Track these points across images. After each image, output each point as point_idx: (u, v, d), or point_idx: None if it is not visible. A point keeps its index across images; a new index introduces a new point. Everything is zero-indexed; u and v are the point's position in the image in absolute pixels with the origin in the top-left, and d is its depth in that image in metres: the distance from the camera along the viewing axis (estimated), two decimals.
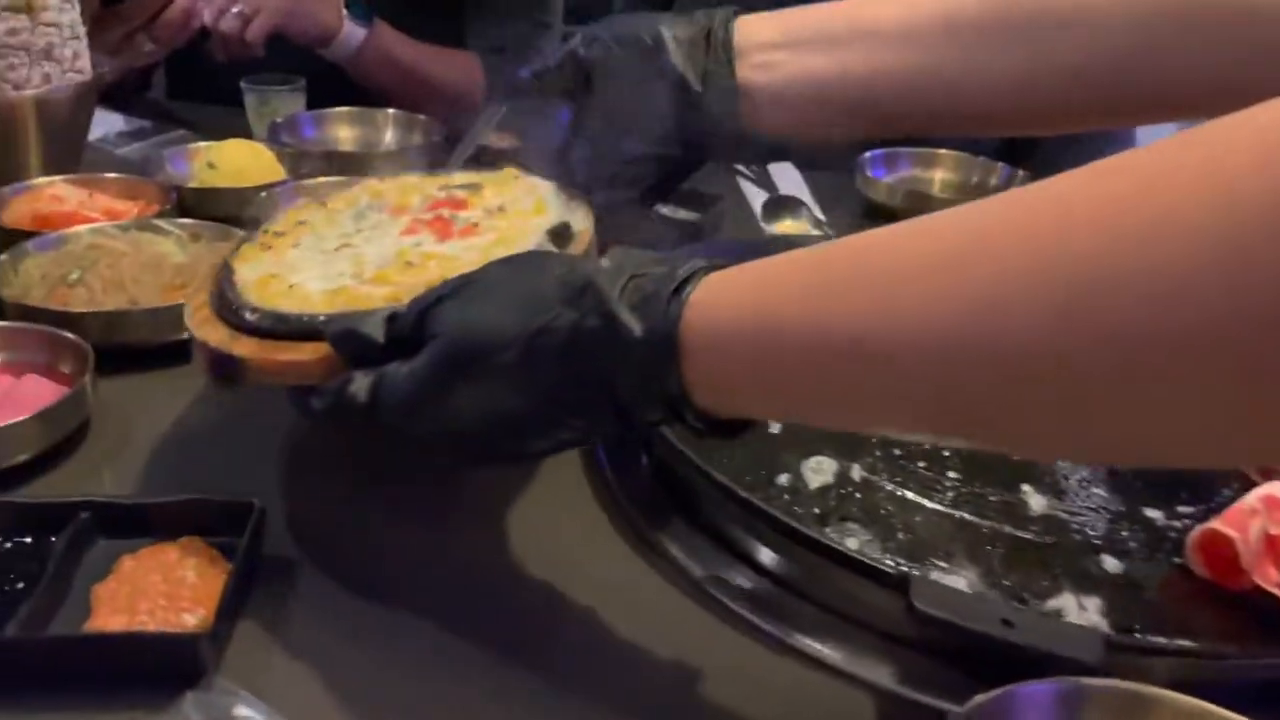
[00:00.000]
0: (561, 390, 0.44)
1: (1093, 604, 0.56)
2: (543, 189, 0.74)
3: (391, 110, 1.35)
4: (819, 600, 0.59)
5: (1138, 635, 0.53)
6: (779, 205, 1.24)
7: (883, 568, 0.54)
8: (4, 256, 0.85)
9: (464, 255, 0.61)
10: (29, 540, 0.58)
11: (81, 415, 0.71)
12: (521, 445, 0.47)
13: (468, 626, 0.57)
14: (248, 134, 1.27)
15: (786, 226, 1.21)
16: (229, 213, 1.05)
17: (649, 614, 0.60)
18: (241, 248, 0.69)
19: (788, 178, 1.36)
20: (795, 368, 0.41)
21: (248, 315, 0.57)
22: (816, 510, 0.61)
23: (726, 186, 1.31)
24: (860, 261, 0.42)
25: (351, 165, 1.19)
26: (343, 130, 1.33)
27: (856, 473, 0.65)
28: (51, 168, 1.07)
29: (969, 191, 1.30)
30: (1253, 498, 0.60)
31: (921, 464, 0.66)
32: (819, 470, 0.65)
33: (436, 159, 1.26)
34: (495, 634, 0.57)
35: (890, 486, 0.64)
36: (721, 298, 0.43)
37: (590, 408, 0.44)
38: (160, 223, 0.93)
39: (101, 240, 0.89)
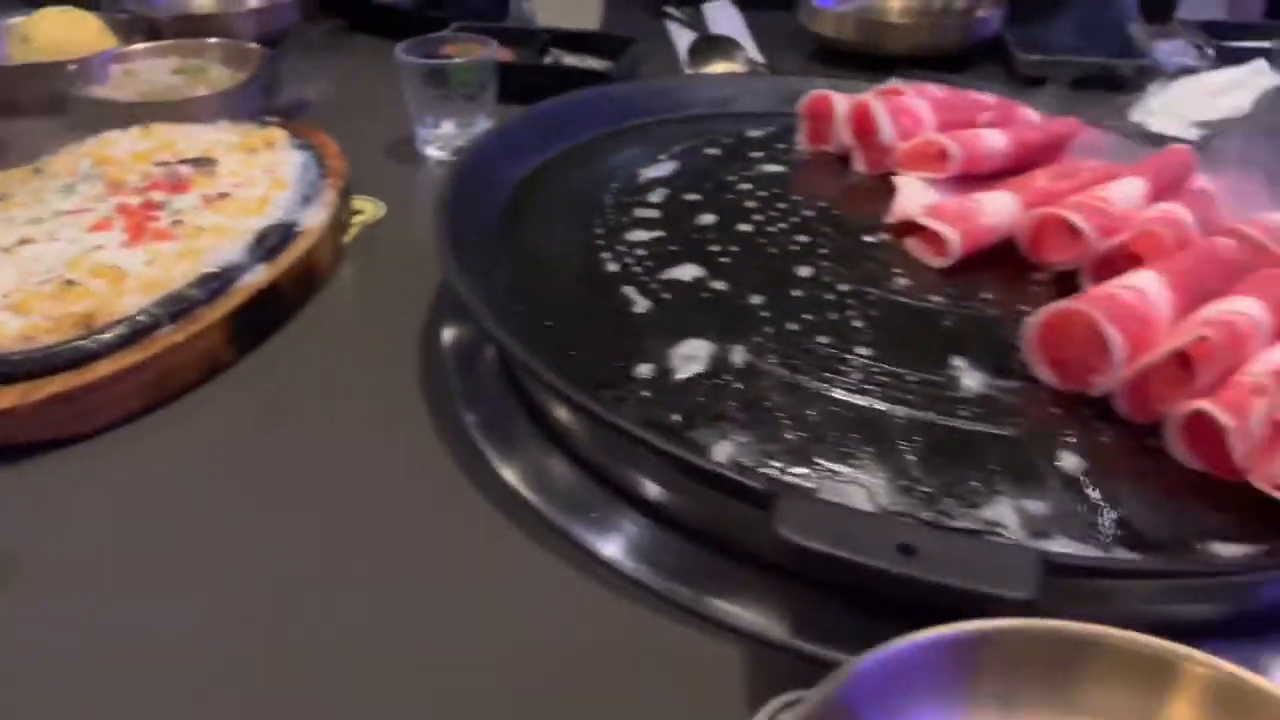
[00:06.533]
0: None
1: (1039, 511, 0.42)
2: (292, 165, 0.70)
3: None
4: (683, 527, 0.45)
5: (1098, 552, 0.40)
6: (708, 46, 1.06)
7: (747, 482, 0.40)
8: None
9: (139, 271, 0.56)
10: None
11: None
12: None
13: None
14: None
15: (717, 68, 1.04)
16: (40, 94, 0.89)
17: (479, 551, 0.46)
18: None
19: (725, 17, 1.18)
20: None
21: None
22: (681, 408, 0.47)
23: (651, 30, 1.13)
24: None
25: (207, 27, 1.02)
26: None
27: (738, 356, 0.50)
28: None
29: (932, 15, 1.12)
30: (1261, 369, 0.45)
31: (823, 340, 0.51)
32: (691, 357, 0.50)
33: (311, 15, 1.10)
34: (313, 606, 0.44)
35: (781, 371, 0.49)
36: None
37: None
38: None
39: None
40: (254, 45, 0.93)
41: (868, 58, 1.03)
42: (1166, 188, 0.59)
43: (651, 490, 0.45)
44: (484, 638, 0.42)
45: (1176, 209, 0.56)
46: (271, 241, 0.63)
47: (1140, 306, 0.47)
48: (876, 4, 1.14)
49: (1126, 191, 0.57)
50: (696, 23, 1.16)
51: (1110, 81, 0.96)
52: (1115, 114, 0.90)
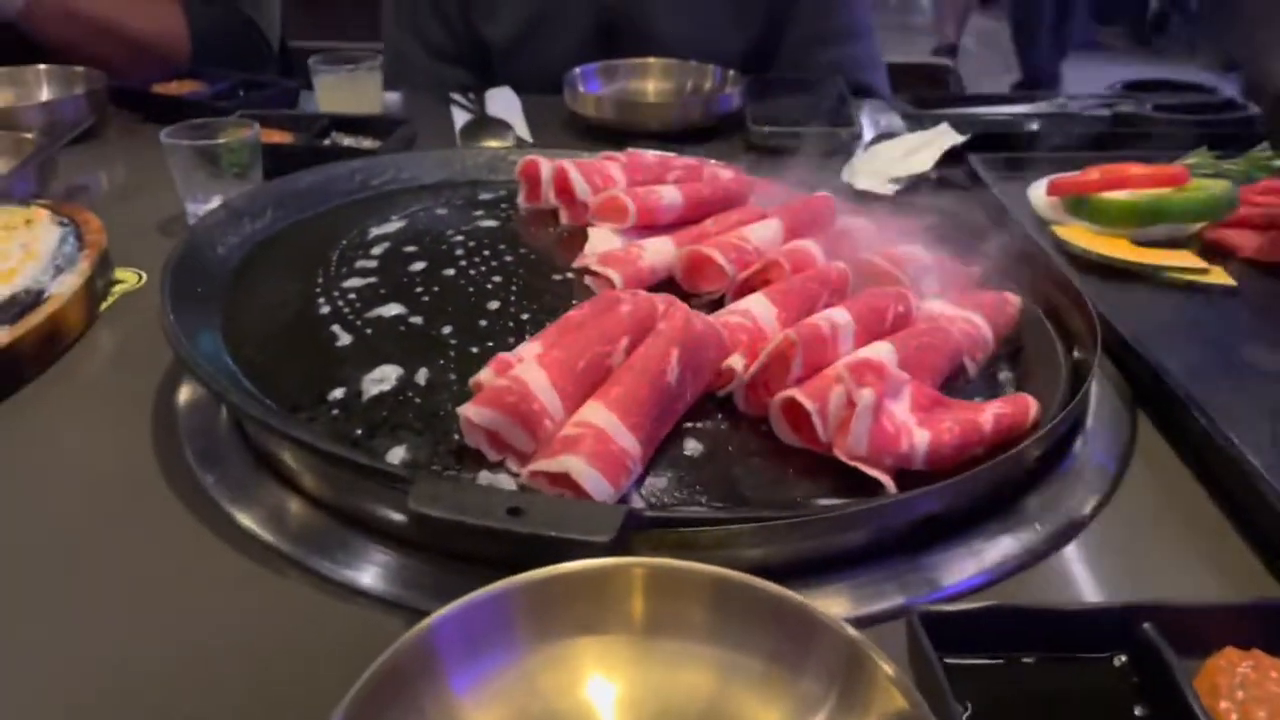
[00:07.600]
0: None
1: (660, 487, 0.51)
2: (48, 240, 0.74)
3: (44, 66, 1.21)
4: (354, 519, 0.51)
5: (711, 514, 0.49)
6: (480, 127, 1.16)
7: (388, 470, 0.48)
8: None
9: None
10: None
11: None
12: None
13: None
14: None
15: (488, 145, 1.14)
16: None
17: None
18: None
19: (503, 101, 1.29)
20: None
21: None
22: (365, 423, 0.54)
23: (438, 114, 1.23)
24: None
25: None
26: None
27: (423, 376, 0.58)
28: None
29: (682, 94, 1.25)
30: (842, 363, 0.56)
31: None
32: (381, 379, 0.58)
33: (104, 109, 1.15)
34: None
35: (458, 386, 0.57)
36: None
37: None
38: None
39: None
40: (29, 135, 0.98)
41: (627, 134, 1.15)
42: (805, 227, 0.71)
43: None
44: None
45: (804, 244, 0.67)
46: (17, 308, 0.68)
47: (750, 326, 0.57)
48: (635, 86, 1.26)
49: (763, 232, 0.68)
50: (479, 107, 1.27)
51: (829, 148, 1.10)
52: (831, 174, 1.03)
